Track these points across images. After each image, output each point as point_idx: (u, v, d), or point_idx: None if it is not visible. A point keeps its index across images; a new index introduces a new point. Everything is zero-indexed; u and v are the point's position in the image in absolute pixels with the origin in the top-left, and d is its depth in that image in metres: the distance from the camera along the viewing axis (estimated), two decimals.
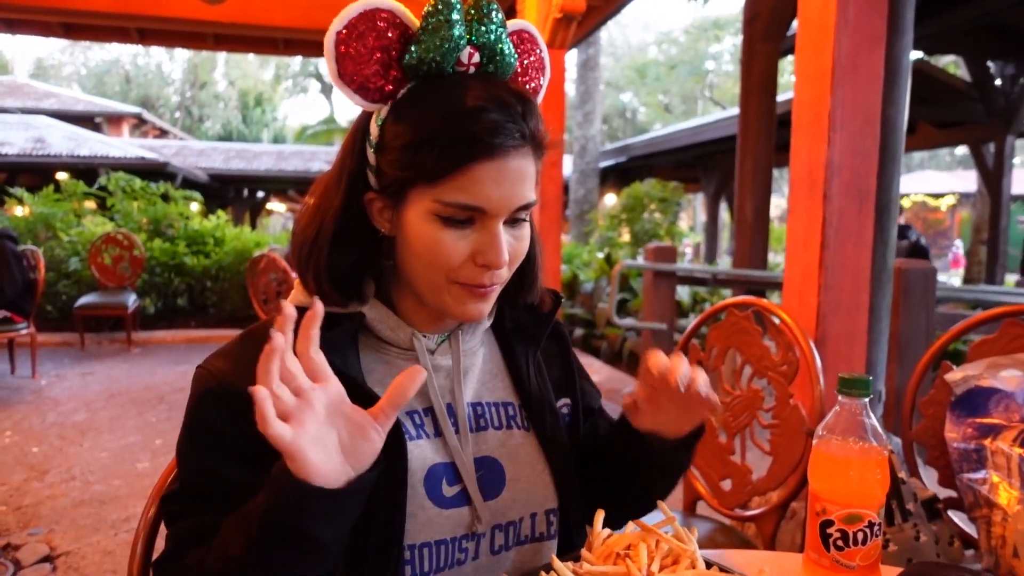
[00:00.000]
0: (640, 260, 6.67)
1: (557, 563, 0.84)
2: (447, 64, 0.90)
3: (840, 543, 0.90)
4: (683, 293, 6.93)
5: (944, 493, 1.91)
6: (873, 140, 2.25)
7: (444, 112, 0.87)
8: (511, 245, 0.93)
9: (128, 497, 3.80)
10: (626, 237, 10.95)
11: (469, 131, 0.85)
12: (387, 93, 0.92)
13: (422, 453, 0.97)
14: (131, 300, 7.73)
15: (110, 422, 5.14)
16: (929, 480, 1.96)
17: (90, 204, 10.22)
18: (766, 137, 6.30)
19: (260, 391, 0.70)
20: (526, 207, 0.92)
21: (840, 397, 0.93)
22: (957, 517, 1.87)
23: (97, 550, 3.21)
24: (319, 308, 0.76)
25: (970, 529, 1.82)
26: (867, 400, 0.92)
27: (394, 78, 0.91)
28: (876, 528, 0.90)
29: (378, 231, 0.97)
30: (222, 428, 0.90)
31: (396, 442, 0.91)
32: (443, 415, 1.00)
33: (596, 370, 6.70)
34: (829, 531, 0.90)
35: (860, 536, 0.89)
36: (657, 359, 0.92)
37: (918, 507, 1.80)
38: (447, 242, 0.89)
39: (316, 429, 0.76)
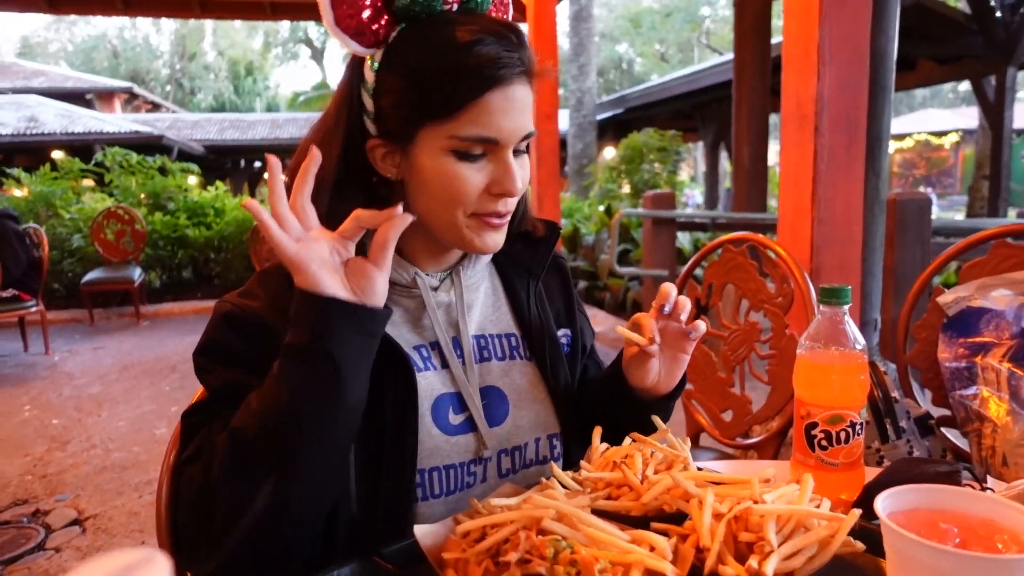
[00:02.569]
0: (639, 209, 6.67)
1: (556, 470, 0.89)
2: (437, 3, 0.92)
3: (824, 443, 0.95)
4: (684, 240, 6.96)
5: (937, 413, 1.97)
6: (862, 72, 2.26)
7: (447, 48, 0.89)
8: (519, 174, 0.97)
9: (148, 462, 3.91)
10: (626, 189, 10.92)
11: (476, 64, 0.88)
12: (381, 38, 0.94)
13: (429, 384, 1.02)
14: (136, 274, 7.79)
15: (125, 393, 5.24)
16: (923, 401, 2.02)
17: (88, 182, 10.22)
18: (761, 81, 6.25)
19: (253, 205, 0.79)
20: (528, 136, 0.95)
21: (821, 307, 0.97)
22: (950, 434, 1.94)
23: (123, 512, 3.32)
24: (316, 154, 0.83)
25: (962, 444, 1.89)
26: (847, 308, 0.96)
27: (386, 22, 0.93)
28: (858, 427, 0.95)
29: (374, 176, 0.99)
30: (237, 344, 0.93)
31: (405, 372, 0.96)
32: (448, 348, 1.05)
33: (600, 321, 6.77)
34: (813, 433, 0.96)
35: (843, 435, 0.95)
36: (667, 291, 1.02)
37: (911, 424, 1.87)
38: (465, 176, 0.93)
39: (319, 250, 0.84)
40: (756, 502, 0.77)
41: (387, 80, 0.93)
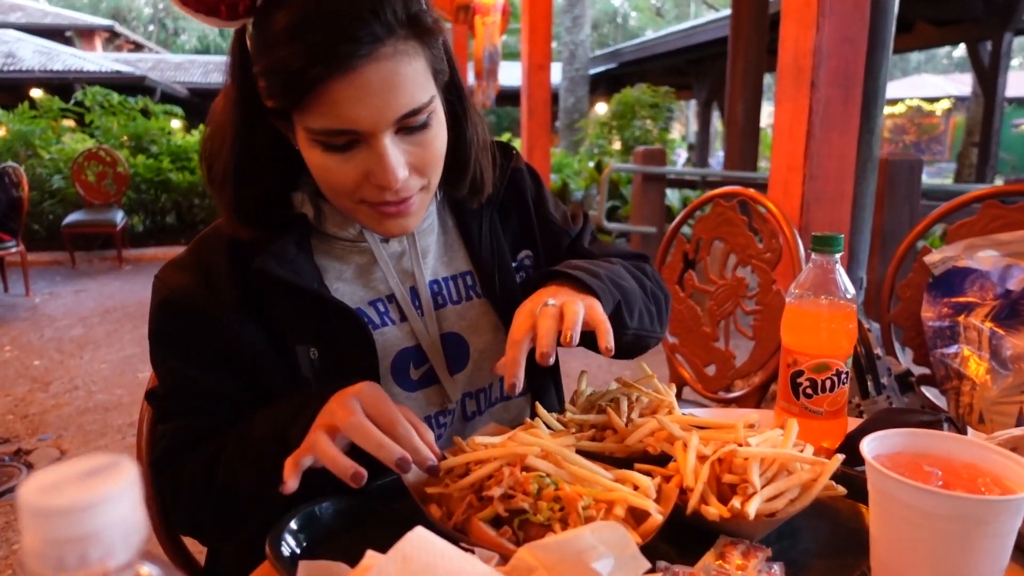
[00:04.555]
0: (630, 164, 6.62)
1: (541, 411, 0.89)
2: None
3: (809, 391, 0.96)
4: (673, 198, 6.93)
5: (918, 371, 1.99)
6: (863, 25, 2.22)
7: (270, 39, 0.78)
8: (413, 154, 0.86)
9: (131, 405, 3.90)
10: (616, 146, 10.83)
11: (299, 57, 0.76)
12: (240, 12, 0.81)
13: (387, 340, 0.99)
14: (119, 217, 7.67)
15: (107, 336, 5.21)
16: (904, 359, 2.04)
17: (68, 122, 9.98)
18: (758, 37, 6.15)
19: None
20: (416, 112, 0.83)
21: (813, 255, 0.96)
22: (929, 392, 1.96)
23: (106, 453, 3.32)
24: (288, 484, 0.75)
25: (940, 402, 1.92)
26: (838, 256, 0.96)
27: None
28: (843, 376, 0.95)
29: (293, 147, 0.90)
30: (177, 336, 0.93)
31: (361, 333, 0.93)
32: (405, 301, 1.01)
33: None
34: (799, 381, 0.96)
35: (828, 384, 0.95)
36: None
37: (891, 381, 1.89)
38: (333, 168, 0.85)
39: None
40: (741, 446, 0.78)
41: (252, 57, 0.83)
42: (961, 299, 1.90)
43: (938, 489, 0.57)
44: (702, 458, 0.78)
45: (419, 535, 0.54)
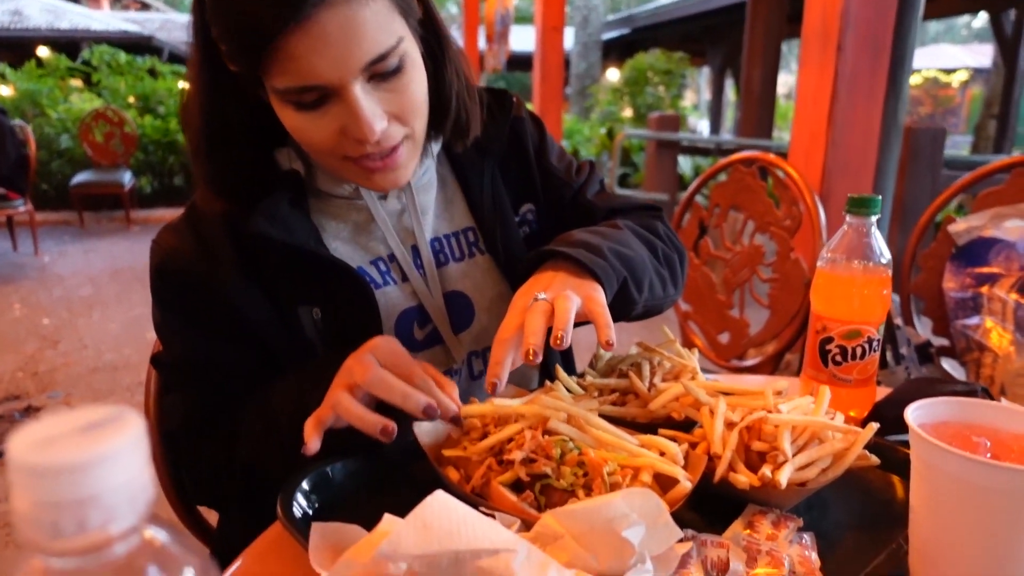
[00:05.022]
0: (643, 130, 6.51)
1: (562, 374, 0.86)
2: None
3: (838, 358, 0.92)
4: (685, 166, 6.84)
5: (937, 342, 1.95)
6: None
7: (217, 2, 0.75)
8: (389, 102, 0.81)
9: (140, 364, 3.91)
10: (628, 112, 10.68)
11: (255, 5, 0.72)
12: None
13: (389, 300, 0.96)
14: (127, 178, 7.64)
15: (116, 296, 5.21)
16: (923, 330, 2.00)
17: (76, 81, 9.89)
18: (778, 3, 6.00)
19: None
20: (383, 57, 0.77)
21: (848, 218, 0.92)
22: (948, 364, 1.93)
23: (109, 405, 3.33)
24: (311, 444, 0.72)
25: (958, 374, 1.88)
26: (874, 219, 0.91)
27: None
28: (875, 344, 0.92)
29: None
30: (178, 301, 0.90)
31: (362, 293, 0.90)
32: (406, 260, 0.98)
33: None
34: (828, 348, 0.92)
35: (858, 351, 0.91)
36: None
37: (911, 351, 1.85)
38: (307, 127, 0.81)
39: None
40: (768, 410, 0.74)
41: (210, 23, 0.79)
42: (985, 270, 1.86)
43: (990, 460, 0.53)
44: (730, 425, 0.75)
45: (439, 500, 0.51)
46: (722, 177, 2.28)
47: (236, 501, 0.92)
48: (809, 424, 0.73)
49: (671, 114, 5.83)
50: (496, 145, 1.05)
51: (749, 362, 2.21)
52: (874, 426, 0.73)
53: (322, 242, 0.93)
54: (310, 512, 0.69)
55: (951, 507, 0.56)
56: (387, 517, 0.52)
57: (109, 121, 7.89)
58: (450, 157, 1.06)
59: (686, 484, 0.64)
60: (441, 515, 0.50)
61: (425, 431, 0.75)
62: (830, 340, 0.92)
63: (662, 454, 0.69)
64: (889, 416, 0.91)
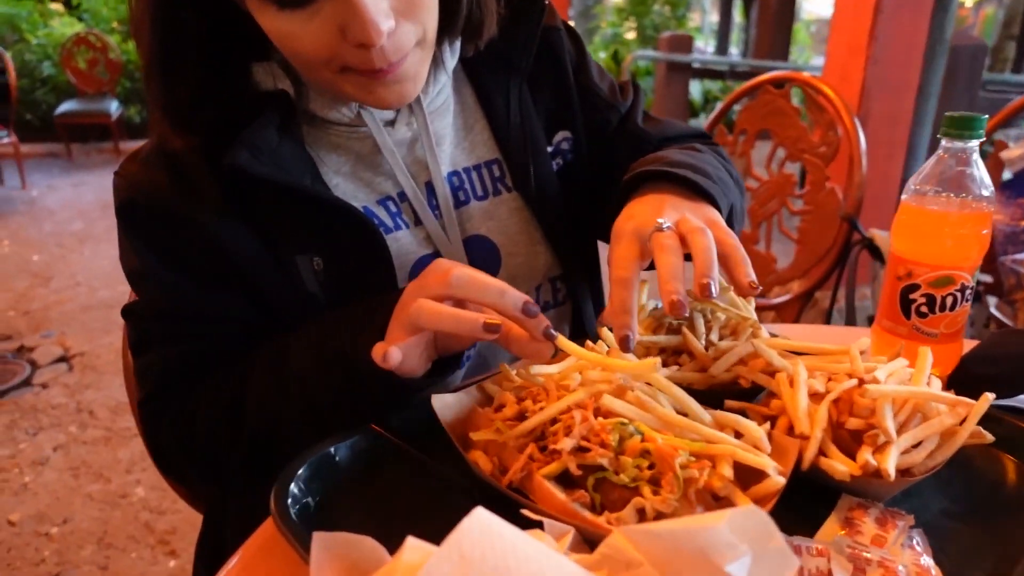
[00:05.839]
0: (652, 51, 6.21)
1: (606, 334, 0.72)
2: None
3: (924, 309, 0.79)
4: (694, 91, 6.56)
5: (981, 279, 1.82)
6: None
7: None
8: (377, 8, 0.64)
9: None
10: (632, 35, 10.27)
11: None
12: None
13: (402, 247, 0.82)
14: (113, 108, 7.35)
15: (108, 231, 5.04)
16: None
17: (56, 5, 9.44)
18: None
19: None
20: None
21: (944, 142, 0.77)
22: (992, 304, 1.81)
23: (111, 350, 3.23)
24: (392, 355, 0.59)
25: (1003, 314, 1.76)
26: (976, 144, 0.76)
27: None
28: (968, 292, 0.78)
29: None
30: (153, 243, 0.76)
31: (371, 240, 0.76)
32: (419, 199, 0.84)
33: None
34: (913, 297, 0.79)
35: (949, 301, 0.78)
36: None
37: None
38: (297, 33, 0.65)
39: None
40: (861, 380, 0.61)
41: None
42: None
43: None
44: (815, 396, 0.62)
45: (480, 522, 0.39)
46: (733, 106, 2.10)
47: (241, 475, 0.78)
48: (912, 395, 0.60)
49: (683, 34, 5.53)
50: (524, 58, 0.88)
51: (774, 301, 2.08)
52: (989, 397, 0.60)
53: (320, 178, 0.78)
54: (311, 504, 0.57)
55: None
56: (410, 541, 0.40)
57: (92, 47, 7.54)
58: (469, 75, 0.90)
59: (777, 479, 0.52)
60: (483, 544, 0.38)
61: (447, 404, 0.62)
62: (915, 288, 0.79)
63: (738, 436, 0.56)
64: (980, 375, 0.79)
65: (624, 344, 0.60)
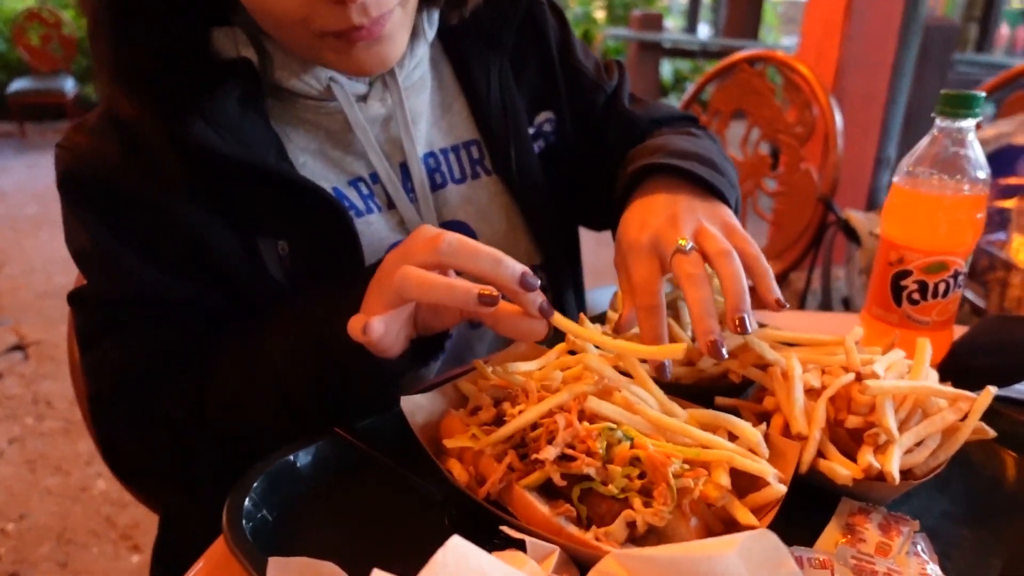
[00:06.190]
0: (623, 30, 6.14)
1: (589, 326, 0.68)
2: None
3: (916, 296, 0.76)
4: (664, 71, 6.52)
5: None
6: None
7: None
8: None
9: None
10: (601, 14, 10.17)
11: None
12: None
13: (374, 231, 0.77)
14: (69, 86, 7.09)
15: None
16: None
17: None
18: None
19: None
20: None
21: (938, 121, 0.74)
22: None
23: (68, 340, 3.12)
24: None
25: (977, 296, 1.76)
26: (974, 123, 0.73)
27: None
28: (960, 279, 0.75)
29: None
30: (106, 220, 0.69)
31: (340, 224, 0.71)
32: (392, 181, 0.78)
33: None
34: (904, 283, 0.76)
35: (941, 288, 0.75)
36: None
37: None
38: None
39: None
40: (859, 375, 0.58)
41: None
42: (1014, 180, 1.70)
43: None
44: (810, 392, 0.58)
45: (455, 554, 0.34)
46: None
47: (206, 479, 0.71)
48: (912, 391, 0.57)
49: (654, 12, 5.48)
50: (506, 32, 0.83)
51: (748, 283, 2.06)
52: (992, 391, 0.57)
53: (286, 156, 0.72)
54: (269, 522, 0.52)
55: None
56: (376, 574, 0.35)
57: (44, 22, 7.26)
58: (447, 50, 0.85)
59: (778, 487, 0.48)
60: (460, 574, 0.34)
61: (418, 406, 0.58)
62: (906, 274, 0.75)
63: (732, 438, 0.52)
64: (975, 366, 0.76)
65: (661, 373, 0.57)
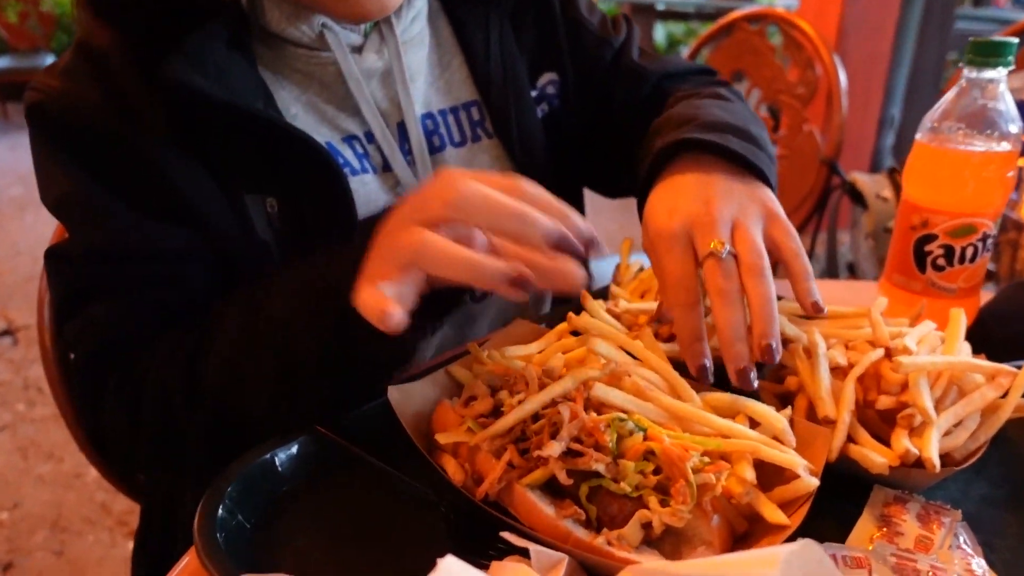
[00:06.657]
0: None
1: (591, 303, 0.63)
2: None
3: (941, 262, 0.71)
4: (658, 35, 6.39)
5: None
6: None
7: None
8: None
9: None
10: None
11: None
12: None
13: (368, 192, 0.72)
14: (48, 64, 6.97)
15: None
16: None
17: None
18: None
19: None
20: None
21: (966, 71, 0.68)
22: None
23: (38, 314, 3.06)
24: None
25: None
26: (1005, 73, 0.67)
27: None
28: (988, 242, 0.70)
29: None
30: (89, 166, 0.63)
31: (333, 181, 0.66)
32: (388, 141, 0.74)
33: None
34: (928, 248, 0.71)
35: (968, 252, 0.70)
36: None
37: None
38: None
39: None
40: (888, 350, 0.53)
41: None
42: None
43: None
44: (836, 370, 0.53)
45: (448, 575, 0.29)
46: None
47: (200, 466, 0.62)
48: (947, 366, 0.52)
49: None
50: None
51: None
52: None
53: (275, 105, 0.67)
54: (247, 529, 0.47)
55: None
56: None
57: None
58: (445, 7, 0.80)
59: (809, 480, 0.43)
60: None
61: (407, 395, 0.52)
62: (931, 238, 0.70)
63: (754, 425, 0.47)
64: (995, 336, 0.71)
65: (703, 374, 0.52)
